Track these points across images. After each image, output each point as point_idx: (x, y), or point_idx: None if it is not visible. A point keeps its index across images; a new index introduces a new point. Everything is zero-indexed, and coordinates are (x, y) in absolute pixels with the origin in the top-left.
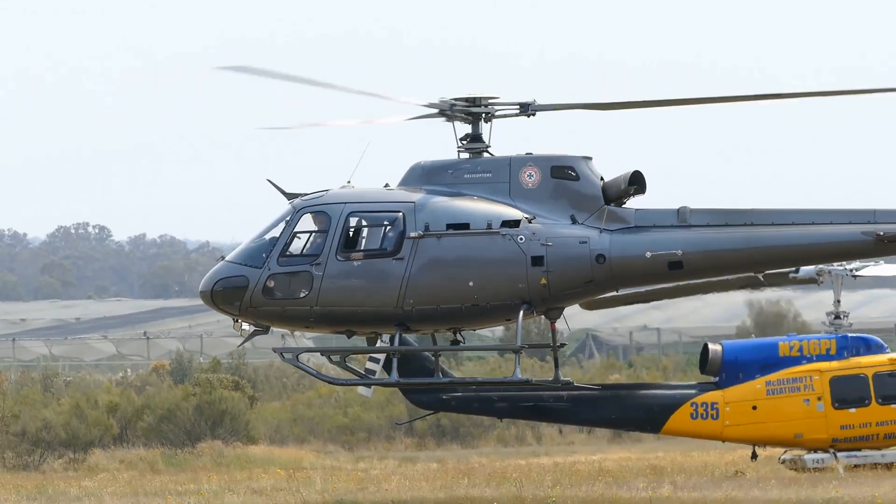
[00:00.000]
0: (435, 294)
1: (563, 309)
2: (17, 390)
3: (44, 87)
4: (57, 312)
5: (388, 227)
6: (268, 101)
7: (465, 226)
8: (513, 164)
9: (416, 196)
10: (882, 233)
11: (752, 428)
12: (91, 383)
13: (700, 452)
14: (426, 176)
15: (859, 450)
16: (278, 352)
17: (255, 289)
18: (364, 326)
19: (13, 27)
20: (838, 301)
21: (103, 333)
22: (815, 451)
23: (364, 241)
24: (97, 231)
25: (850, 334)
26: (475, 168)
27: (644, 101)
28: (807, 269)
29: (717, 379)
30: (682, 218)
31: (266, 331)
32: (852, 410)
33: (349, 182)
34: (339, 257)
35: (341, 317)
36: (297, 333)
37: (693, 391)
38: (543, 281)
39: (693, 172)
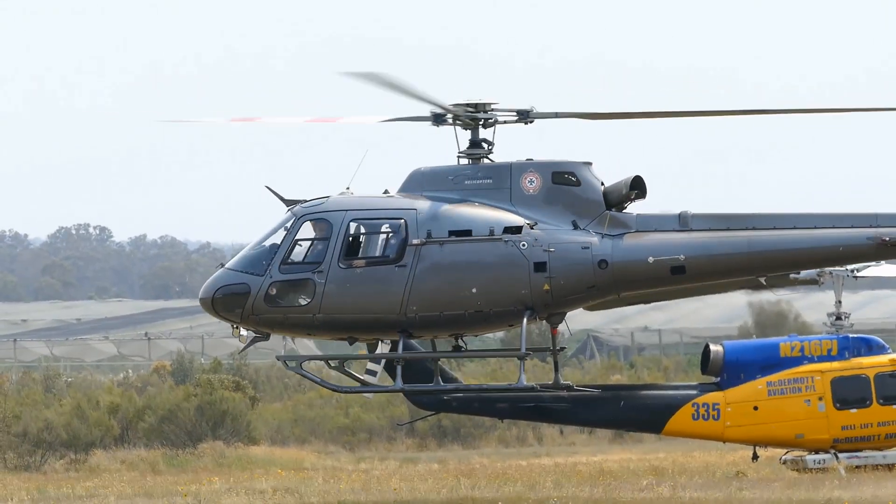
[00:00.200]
0: (438, 301)
1: (564, 314)
2: (18, 391)
3: (44, 89)
4: (58, 313)
5: (391, 235)
6: (269, 101)
7: (468, 232)
8: (514, 170)
9: (418, 203)
10: (888, 238)
11: (754, 428)
12: (92, 384)
13: (701, 453)
14: (426, 182)
15: (860, 450)
16: (282, 360)
17: (256, 296)
18: (367, 333)
19: (13, 28)
20: (839, 302)
21: (104, 334)
22: (817, 452)
23: (366, 248)
24: (98, 232)
25: (851, 335)
26: (476, 174)
27: (640, 113)
28: (808, 271)
29: (719, 379)
30: (683, 223)
31: (266, 337)
32: (853, 411)
33: (348, 188)
34: (341, 264)
35: (344, 324)
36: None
37: (694, 392)
38: (546, 287)
39: (693, 176)
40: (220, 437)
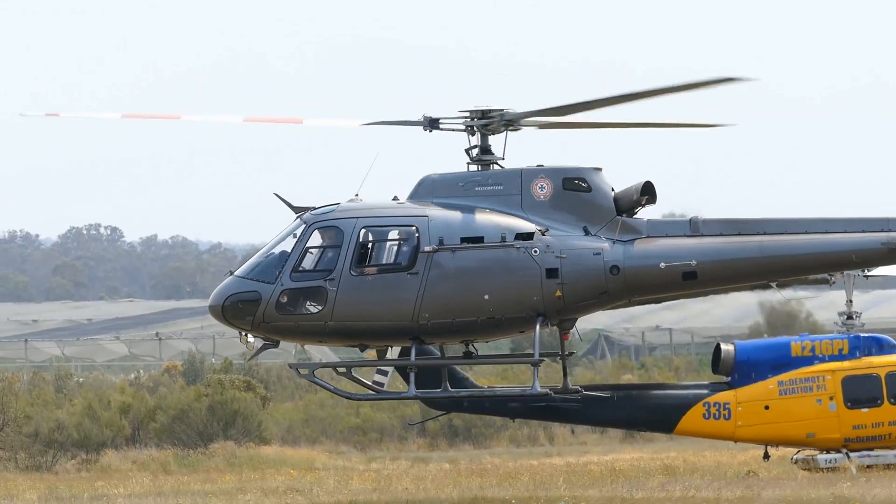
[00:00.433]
0: (450, 308)
1: (575, 320)
2: (29, 391)
3: (56, 90)
4: (69, 313)
5: (402, 242)
6: (272, 102)
7: (480, 239)
8: (524, 177)
9: (430, 210)
10: None
11: (765, 428)
12: (103, 384)
13: (712, 452)
14: (437, 189)
15: (872, 450)
16: (294, 368)
17: (268, 304)
18: (379, 340)
19: (17, 28)
20: (850, 301)
21: (115, 334)
22: (828, 451)
23: (378, 255)
24: (109, 232)
25: (862, 334)
26: (486, 181)
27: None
28: None
29: (730, 379)
30: (694, 228)
31: (276, 344)
32: (864, 410)
33: (357, 195)
34: (353, 272)
35: (356, 331)
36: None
37: (705, 391)
38: (558, 293)
39: (692, 180)
40: (231, 437)
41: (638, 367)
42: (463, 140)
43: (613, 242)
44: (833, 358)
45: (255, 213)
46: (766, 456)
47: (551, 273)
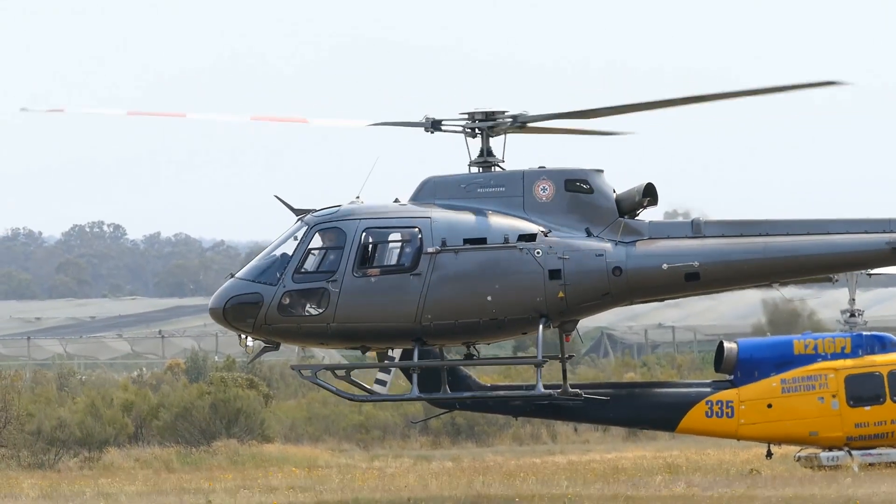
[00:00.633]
0: (453, 309)
1: (577, 322)
2: (32, 389)
3: (56, 90)
4: (72, 311)
5: (405, 243)
6: (272, 102)
7: (483, 240)
8: (526, 178)
9: (433, 211)
10: None
11: (767, 426)
12: (106, 382)
13: (715, 450)
14: (438, 190)
15: (874, 448)
16: (296, 369)
17: (269, 306)
18: (381, 342)
19: (18, 31)
20: (853, 299)
21: (118, 332)
22: (830, 450)
23: (381, 256)
24: (112, 229)
25: (864, 332)
26: (488, 182)
27: (623, 107)
28: None
29: (732, 377)
30: (696, 229)
31: (276, 347)
32: (867, 408)
33: (358, 197)
34: (355, 273)
35: (358, 333)
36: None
37: (708, 389)
38: (561, 294)
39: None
40: (233, 435)
41: (641, 365)
42: (464, 141)
43: (616, 244)
44: (836, 356)
45: (258, 210)
46: (769, 454)
47: (554, 274)
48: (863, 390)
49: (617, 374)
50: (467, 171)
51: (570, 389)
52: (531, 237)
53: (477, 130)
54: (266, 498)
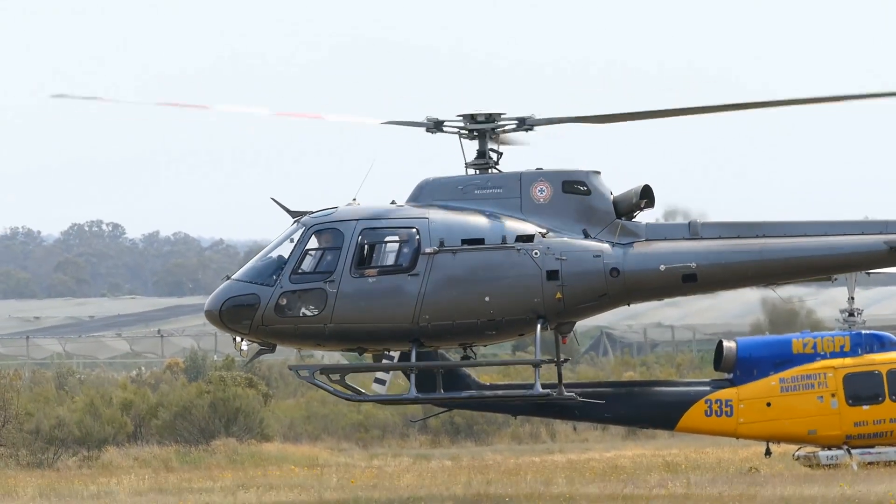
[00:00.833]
0: (451, 309)
1: (574, 323)
2: (30, 388)
3: (56, 86)
4: (71, 310)
5: (403, 243)
6: (271, 102)
7: (481, 241)
8: (524, 180)
9: (430, 211)
10: None
11: (766, 425)
12: (105, 381)
13: (714, 449)
14: (435, 192)
15: (873, 447)
16: (294, 370)
17: (266, 307)
18: (378, 343)
19: (18, 31)
20: (852, 298)
21: (117, 331)
22: (829, 448)
23: (379, 257)
24: (111, 228)
25: (863, 331)
26: (486, 184)
27: (638, 113)
28: None
29: (732, 376)
30: (693, 231)
31: (272, 349)
32: (866, 407)
33: (354, 199)
34: (353, 274)
35: (356, 334)
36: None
37: (707, 388)
38: (558, 295)
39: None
40: (233, 434)
41: (640, 364)
42: (467, 144)
43: (613, 245)
44: (835, 355)
45: (257, 210)
46: (768, 453)
47: (552, 275)
48: (862, 389)
49: (616, 372)
50: (464, 173)
51: (566, 393)
52: (529, 238)
53: (476, 132)
54: (266, 497)
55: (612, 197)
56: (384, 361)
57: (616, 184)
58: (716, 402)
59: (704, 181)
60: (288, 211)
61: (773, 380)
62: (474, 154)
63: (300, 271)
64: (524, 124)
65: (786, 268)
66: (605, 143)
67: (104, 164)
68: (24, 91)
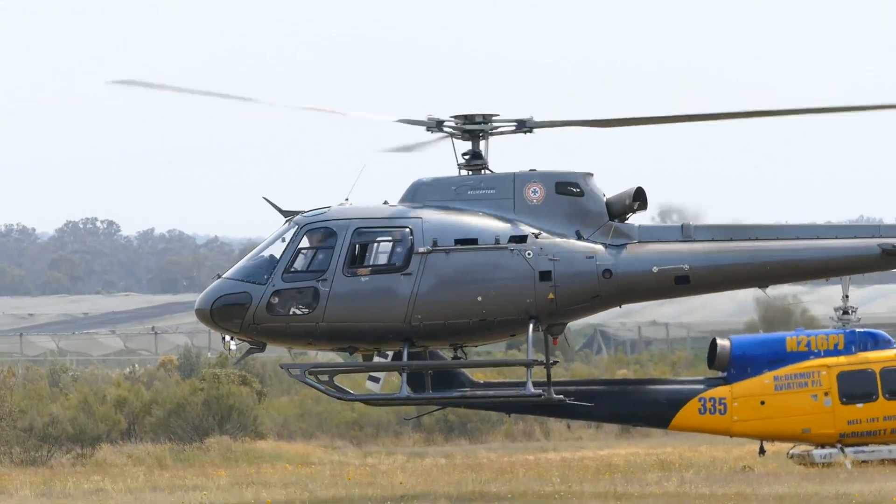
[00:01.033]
0: (443, 309)
1: (565, 325)
2: (24, 385)
3: (51, 83)
4: (65, 307)
5: (396, 243)
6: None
7: (474, 241)
8: (517, 181)
9: (424, 211)
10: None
11: (760, 423)
12: (99, 378)
13: (708, 447)
14: (429, 193)
15: (866, 445)
16: (285, 368)
17: (258, 305)
18: (370, 342)
19: (21, 23)
20: (846, 296)
21: (111, 328)
22: (823, 447)
23: (371, 256)
24: (105, 226)
25: (857, 329)
26: (479, 185)
27: (640, 119)
28: None
29: (726, 374)
30: (686, 233)
31: (262, 348)
32: (860, 406)
33: (347, 200)
34: (345, 273)
35: (347, 333)
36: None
37: (701, 386)
38: (551, 296)
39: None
40: (226, 431)
41: (634, 362)
42: (462, 144)
43: (606, 246)
44: (828, 353)
45: (251, 207)
46: (762, 451)
47: (544, 276)
48: (855, 387)
49: (610, 370)
50: (457, 174)
51: (555, 396)
52: (522, 239)
53: (469, 133)
54: (260, 494)
55: (605, 199)
56: (378, 361)
57: (609, 185)
58: (710, 400)
59: (698, 181)
60: (280, 210)
61: (767, 378)
62: (469, 154)
63: (292, 270)
64: (524, 126)
65: (778, 270)
66: (599, 145)
67: (99, 161)
68: (22, 89)
